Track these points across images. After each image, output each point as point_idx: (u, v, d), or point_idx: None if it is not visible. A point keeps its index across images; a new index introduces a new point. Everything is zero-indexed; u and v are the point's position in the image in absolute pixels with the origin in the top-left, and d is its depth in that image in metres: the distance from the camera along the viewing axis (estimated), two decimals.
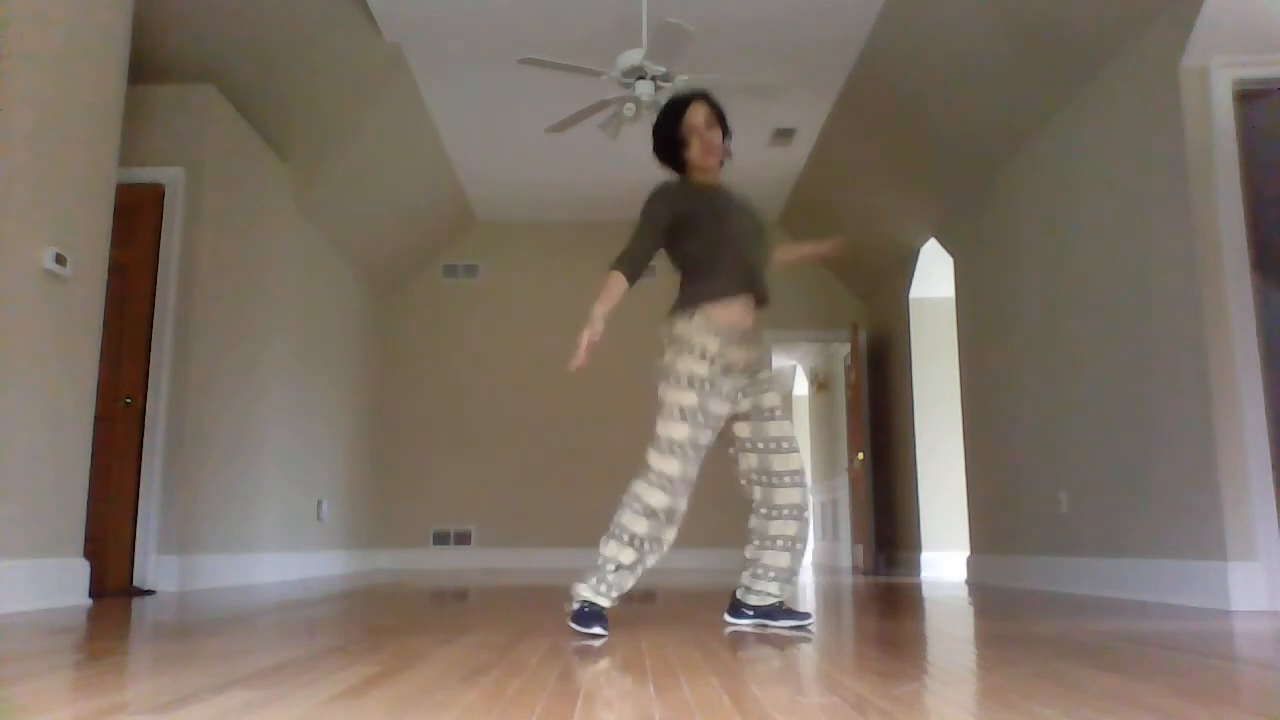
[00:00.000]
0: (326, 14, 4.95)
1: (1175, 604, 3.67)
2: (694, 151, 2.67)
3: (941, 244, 6.51)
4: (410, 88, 5.92)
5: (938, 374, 7.02)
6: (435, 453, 8.17)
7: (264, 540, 5.66)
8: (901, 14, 4.92)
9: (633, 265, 2.58)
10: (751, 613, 2.68)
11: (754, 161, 7.18)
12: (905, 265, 7.30)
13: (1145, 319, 3.98)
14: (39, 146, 3.31)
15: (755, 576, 2.68)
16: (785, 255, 2.98)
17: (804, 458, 12.24)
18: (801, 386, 12.33)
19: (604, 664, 1.86)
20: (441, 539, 8.06)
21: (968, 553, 6.36)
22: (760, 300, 2.64)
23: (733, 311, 2.57)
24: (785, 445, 2.67)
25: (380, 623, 2.77)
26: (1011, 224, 5.34)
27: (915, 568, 6.96)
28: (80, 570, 3.56)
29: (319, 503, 6.63)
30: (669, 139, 2.70)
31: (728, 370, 2.56)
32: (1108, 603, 3.77)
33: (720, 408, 2.56)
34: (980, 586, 5.18)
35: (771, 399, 2.69)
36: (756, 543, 2.70)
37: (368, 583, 5.46)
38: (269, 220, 5.72)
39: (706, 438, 2.54)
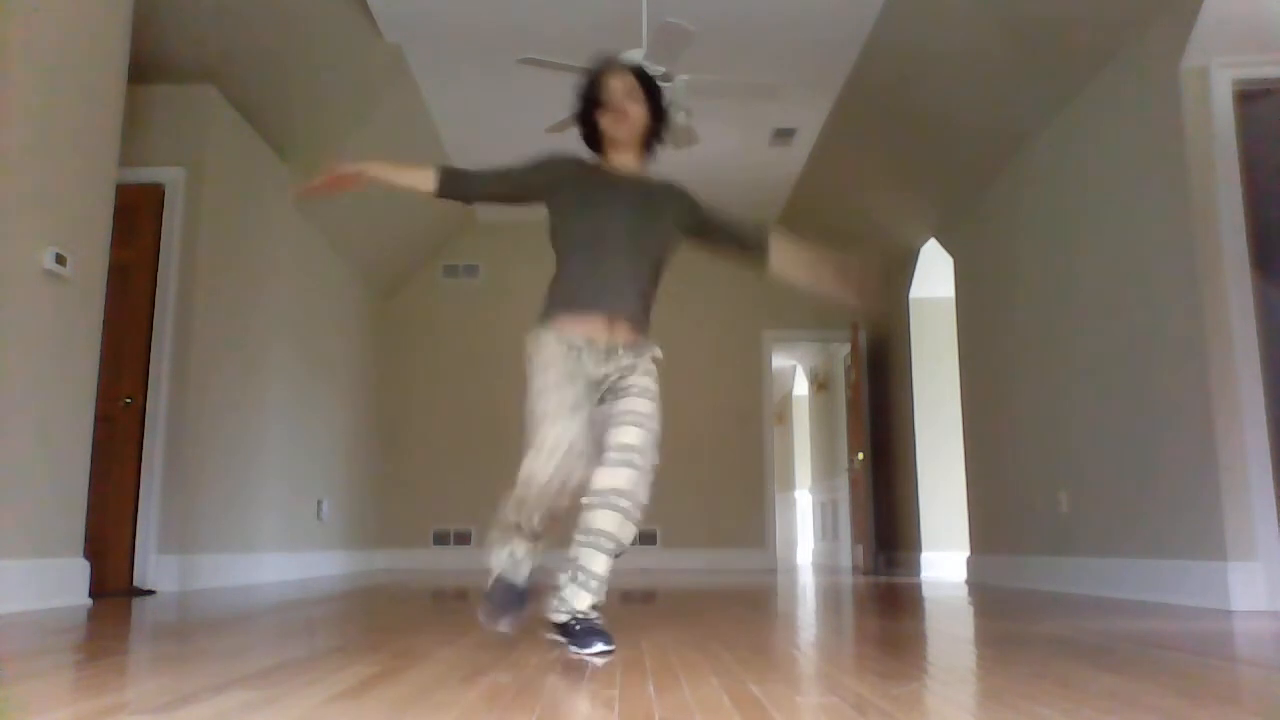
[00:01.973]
0: (327, 14, 4.95)
1: (1175, 604, 3.67)
2: (605, 116, 2.33)
3: (941, 244, 6.51)
4: (410, 88, 5.92)
5: (938, 374, 7.02)
6: (435, 452, 8.16)
7: (264, 540, 5.66)
8: (901, 14, 4.92)
9: (453, 178, 2.33)
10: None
11: (754, 161, 7.18)
12: (905, 265, 7.30)
13: (1145, 319, 3.97)
14: (39, 147, 3.31)
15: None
16: (799, 273, 2.45)
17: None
18: (801, 386, 12.33)
19: (604, 664, 1.86)
20: (441, 539, 8.06)
21: (968, 553, 6.36)
22: (617, 319, 2.22)
23: (583, 326, 2.20)
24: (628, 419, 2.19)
25: (380, 623, 2.77)
26: (1011, 224, 5.34)
27: (915, 568, 6.96)
28: (80, 570, 3.56)
29: (319, 503, 6.63)
30: (585, 99, 2.39)
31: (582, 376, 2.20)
32: (1108, 603, 3.77)
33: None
34: (980, 586, 5.18)
35: (639, 380, 2.25)
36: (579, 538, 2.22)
37: (368, 583, 5.45)
38: (269, 220, 5.71)
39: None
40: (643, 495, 2.15)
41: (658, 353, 2.33)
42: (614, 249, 2.26)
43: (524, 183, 2.36)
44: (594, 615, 2.13)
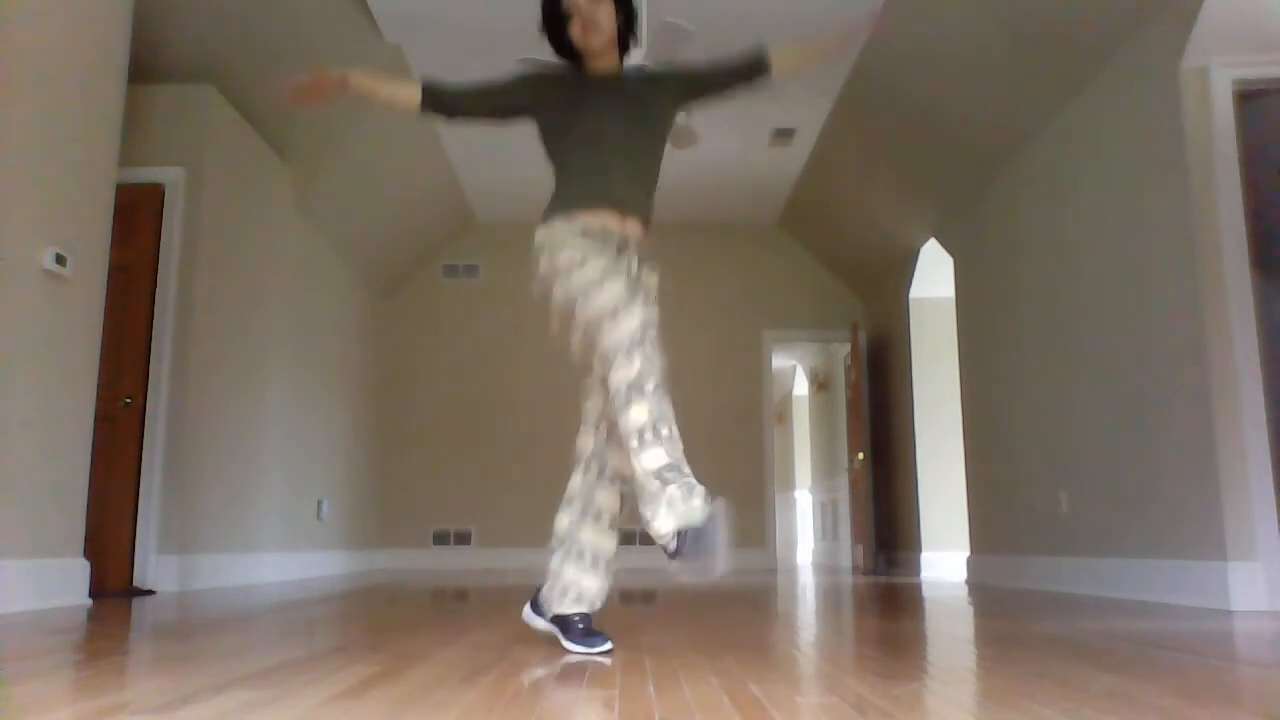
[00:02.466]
0: (327, 14, 4.95)
1: (1175, 604, 3.67)
2: (574, 29, 2.25)
3: (941, 244, 6.51)
4: None
5: (938, 374, 7.02)
6: (435, 453, 8.17)
7: (264, 540, 5.66)
8: (901, 15, 4.92)
9: (438, 95, 2.24)
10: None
11: (754, 161, 7.18)
12: (905, 265, 7.30)
13: (1145, 318, 3.98)
14: (39, 147, 3.31)
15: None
16: (799, 66, 2.43)
17: (806, 456, 12.27)
18: (801, 386, 12.33)
19: (604, 664, 1.86)
20: (441, 539, 8.06)
21: (968, 553, 6.36)
22: (628, 213, 2.19)
23: (597, 218, 2.16)
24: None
25: (380, 623, 2.77)
26: (1011, 224, 5.34)
27: (915, 568, 6.96)
28: (80, 570, 3.56)
29: (319, 503, 6.63)
30: (550, 17, 2.31)
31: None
32: (1108, 603, 3.77)
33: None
34: (980, 586, 5.18)
35: (648, 280, 2.25)
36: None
37: (367, 583, 5.45)
38: (269, 220, 5.71)
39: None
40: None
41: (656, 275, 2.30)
42: (614, 148, 2.21)
43: (508, 104, 2.29)
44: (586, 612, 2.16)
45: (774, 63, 2.38)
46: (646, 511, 1.88)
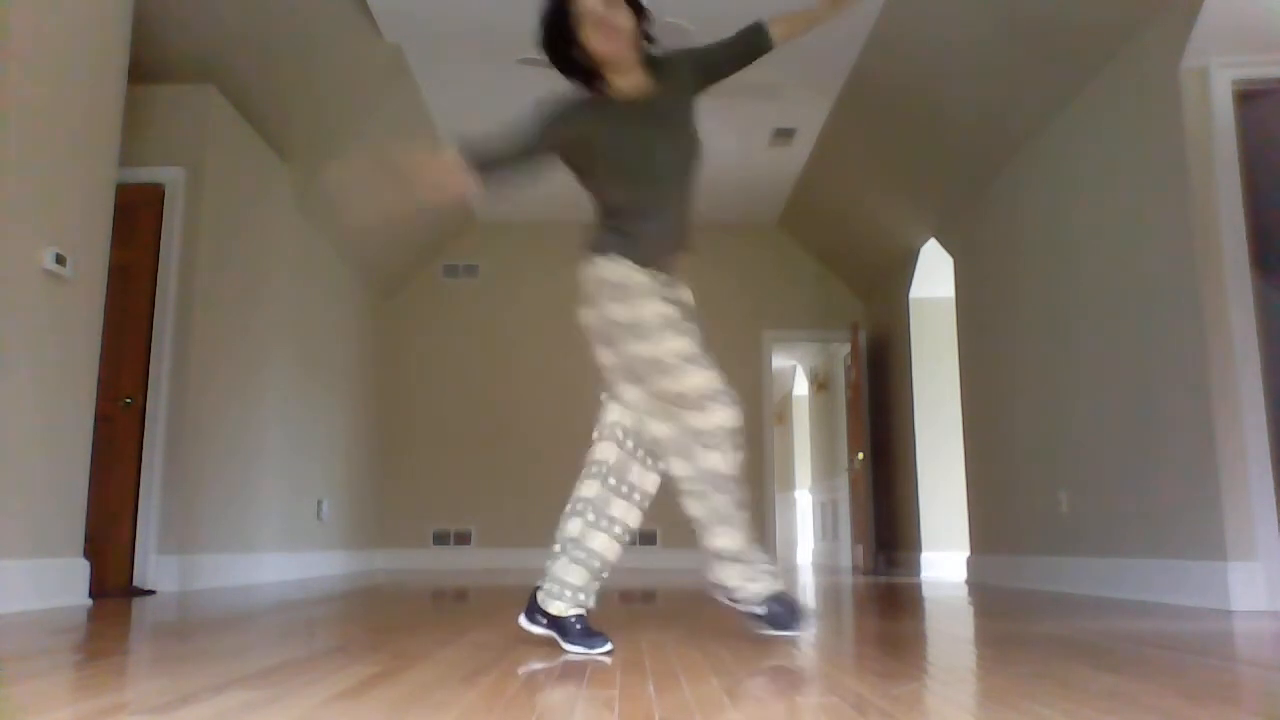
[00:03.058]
0: (326, 14, 4.95)
1: (1175, 604, 3.67)
2: (592, 41, 2.08)
3: (941, 244, 6.51)
4: (410, 88, 5.92)
5: (938, 374, 7.02)
6: (435, 453, 8.17)
7: (264, 540, 5.66)
8: (901, 14, 4.92)
9: (482, 161, 2.07)
10: (545, 620, 2.18)
11: (754, 161, 7.18)
12: (905, 265, 7.30)
13: (1145, 319, 3.98)
14: (39, 146, 3.31)
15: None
16: (796, 31, 2.40)
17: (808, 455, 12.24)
18: (801, 386, 12.33)
19: (604, 664, 1.86)
20: (441, 539, 8.06)
21: (968, 553, 6.36)
22: (686, 247, 2.23)
23: (662, 260, 2.18)
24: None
25: (380, 623, 2.77)
26: (1011, 224, 5.34)
27: (915, 568, 6.96)
28: (80, 570, 3.56)
29: (319, 503, 6.63)
30: (557, 33, 2.11)
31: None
32: (1108, 603, 3.77)
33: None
34: (980, 586, 5.18)
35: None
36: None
37: (367, 583, 5.45)
38: (269, 220, 5.71)
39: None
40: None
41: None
42: (669, 183, 2.17)
43: (546, 156, 2.15)
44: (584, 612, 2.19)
45: (772, 32, 2.38)
46: (733, 571, 2.18)
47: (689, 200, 2.23)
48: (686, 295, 2.29)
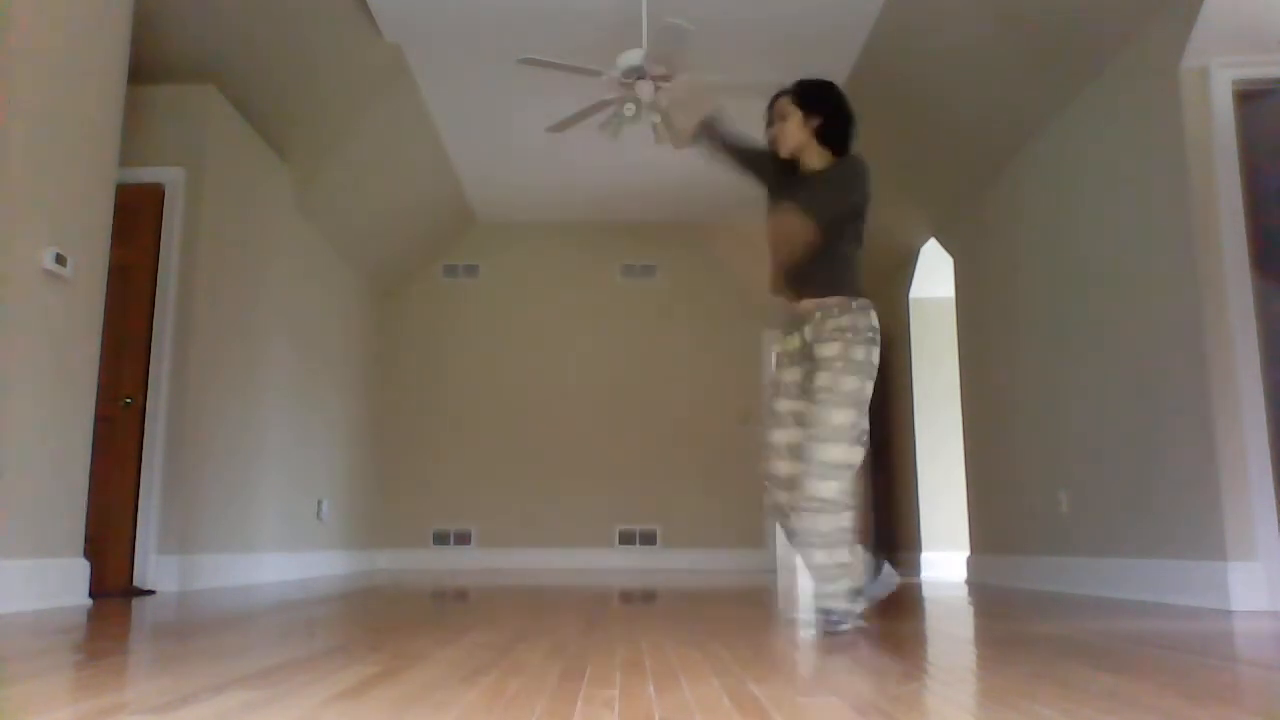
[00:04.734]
0: (326, 14, 4.95)
1: (1175, 604, 3.67)
2: (774, 144, 2.82)
3: (941, 244, 6.51)
4: (410, 88, 5.92)
5: (938, 374, 7.02)
6: (435, 453, 8.17)
7: (264, 540, 5.66)
8: (901, 14, 4.92)
9: (713, 132, 2.88)
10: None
11: None
12: (905, 265, 7.30)
13: (1145, 319, 3.98)
14: (39, 146, 3.31)
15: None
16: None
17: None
18: None
19: (604, 664, 1.86)
20: (441, 539, 8.06)
21: (968, 553, 6.36)
22: (793, 291, 2.75)
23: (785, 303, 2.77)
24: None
25: (380, 623, 2.77)
26: (1012, 224, 5.34)
27: (915, 568, 6.96)
28: (80, 570, 3.56)
29: (319, 503, 6.63)
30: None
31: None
32: (1108, 603, 3.77)
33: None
34: (980, 586, 5.18)
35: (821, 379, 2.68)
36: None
37: (368, 583, 5.45)
38: (269, 220, 5.71)
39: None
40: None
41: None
42: (781, 238, 2.74)
43: (745, 163, 2.88)
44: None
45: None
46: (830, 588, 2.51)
47: (794, 258, 2.72)
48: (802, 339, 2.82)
